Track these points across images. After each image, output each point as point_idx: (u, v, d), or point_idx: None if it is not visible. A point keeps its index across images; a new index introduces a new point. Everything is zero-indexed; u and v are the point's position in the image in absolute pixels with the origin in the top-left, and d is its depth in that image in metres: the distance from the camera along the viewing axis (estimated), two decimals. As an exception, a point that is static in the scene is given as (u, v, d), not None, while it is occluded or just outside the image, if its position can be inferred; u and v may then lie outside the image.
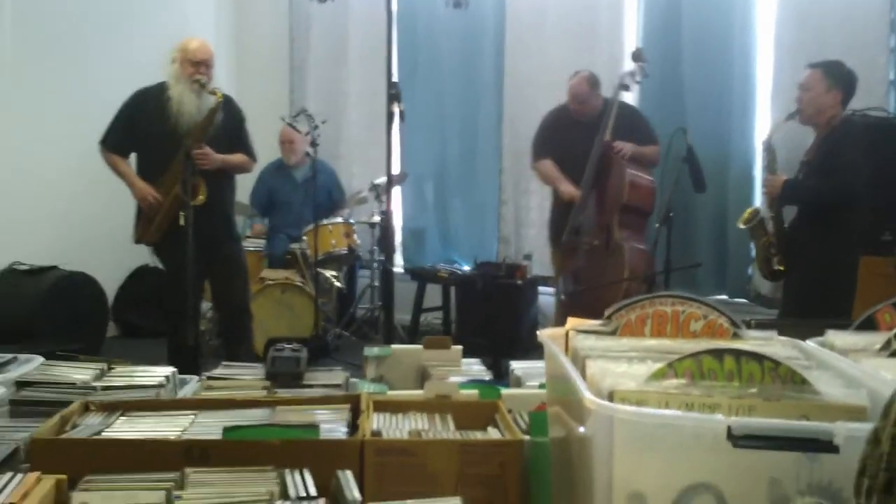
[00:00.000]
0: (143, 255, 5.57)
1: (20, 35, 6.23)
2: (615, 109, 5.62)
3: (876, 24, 6.18)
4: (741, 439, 1.29)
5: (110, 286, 6.89)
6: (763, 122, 6.57)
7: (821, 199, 4.67)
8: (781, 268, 4.84)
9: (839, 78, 4.73)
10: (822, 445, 1.29)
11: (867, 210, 4.69)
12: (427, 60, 7.77)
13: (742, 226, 5.05)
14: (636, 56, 5.74)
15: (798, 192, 4.79)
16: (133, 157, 5.12)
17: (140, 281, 7.28)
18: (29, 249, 6.25)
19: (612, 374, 1.51)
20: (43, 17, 6.39)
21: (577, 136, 5.68)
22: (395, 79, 4.19)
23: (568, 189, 5.70)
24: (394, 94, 3.89)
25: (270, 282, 6.42)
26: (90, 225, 6.72)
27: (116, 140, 5.02)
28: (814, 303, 4.42)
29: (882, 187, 4.90)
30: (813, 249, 4.65)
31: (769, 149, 4.97)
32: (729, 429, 1.30)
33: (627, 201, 5.49)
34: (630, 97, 6.83)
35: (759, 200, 6.11)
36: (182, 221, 4.65)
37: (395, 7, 7.34)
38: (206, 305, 6.06)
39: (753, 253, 6.48)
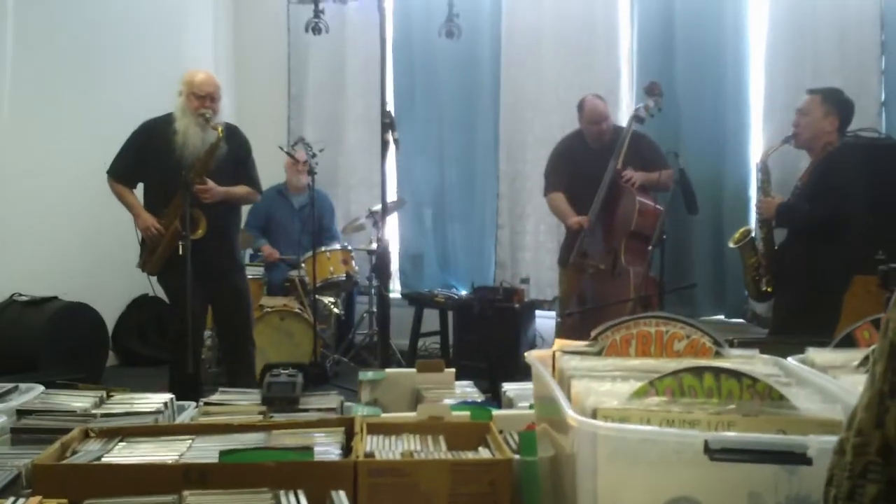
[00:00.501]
0: (143, 285, 5.61)
1: (21, 65, 6.31)
2: (628, 138, 5.69)
3: (867, 45, 6.26)
4: (717, 453, 1.34)
5: (110, 315, 6.93)
6: (757, 143, 6.63)
7: (813, 225, 4.71)
8: (769, 289, 4.89)
9: (837, 104, 4.78)
10: (796, 458, 1.33)
11: (860, 231, 4.72)
12: (424, 87, 7.85)
13: (732, 245, 5.10)
14: (650, 90, 5.82)
15: (791, 216, 4.83)
16: (140, 186, 5.19)
17: (140, 310, 7.32)
18: (29, 280, 6.29)
19: (596, 393, 1.55)
20: (44, 48, 6.47)
21: (590, 162, 5.77)
22: (390, 107, 4.25)
23: (575, 221, 5.80)
24: (388, 123, 3.94)
25: (269, 309, 6.45)
26: (90, 254, 6.77)
27: (123, 170, 5.09)
28: (802, 323, 4.44)
29: (875, 206, 4.94)
30: (803, 270, 4.69)
31: (764, 170, 5.02)
32: (706, 443, 1.35)
33: (635, 228, 5.57)
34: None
35: (754, 221, 6.17)
36: (181, 251, 4.71)
37: (391, 36, 7.50)
38: (206, 333, 6.08)
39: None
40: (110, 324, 6.93)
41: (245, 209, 6.12)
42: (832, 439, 1.23)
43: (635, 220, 5.57)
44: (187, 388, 4.50)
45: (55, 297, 6.33)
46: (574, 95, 6.58)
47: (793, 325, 4.58)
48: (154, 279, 5.27)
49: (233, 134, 5.11)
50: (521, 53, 7.44)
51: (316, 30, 4.77)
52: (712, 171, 6.65)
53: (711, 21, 6.75)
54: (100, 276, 6.77)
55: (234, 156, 5.11)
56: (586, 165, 5.78)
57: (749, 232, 5.07)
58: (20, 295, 6.28)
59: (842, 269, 4.65)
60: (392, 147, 4.00)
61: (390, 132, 3.91)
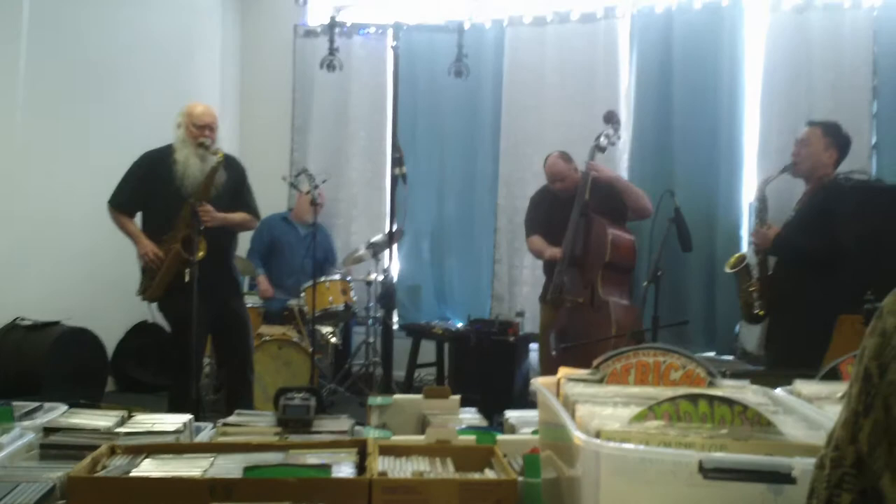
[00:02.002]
0: (143, 311, 5.71)
1: (30, 96, 6.43)
2: (591, 173, 5.74)
3: (860, 90, 6.46)
4: (711, 472, 1.46)
5: (109, 341, 7.01)
6: (750, 185, 6.79)
7: (806, 259, 4.81)
8: (761, 312, 4.99)
9: (837, 139, 4.88)
10: (781, 477, 1.45)
11: (850, 268, 4.81)
12: (426, 123, 8.02)
13: (728, 270, 5.20)
14: (608, 118, 5.93)
15: (786, 248, 4.92)
16: (139, 215, 5.28)
17: (139, 336, 7.41)
18: (32, 305, 6.39)
19: (599, 416, 1.67)
20: (54, 79, 6.60)
21: (562, 212, 5.83)
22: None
23: (552, 252, 5.86)
24: (397, 158, 4.06)
25: (268, 337, 6.52)
26: (91, 281, 6.86)
27: (124, 200, 5.19)
28: (794, 350, 4.51)
29: (865, 247, 5.05)
30: (794, 299, 4.77)
31: (761, 199, 5.11)
32: (700, 462, 1.47)
33: (610, 259, 5.64)
34: (624, 157, 7.09)
35: (746, 247, 6.31)
36: (187, 278, 4.80)
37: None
38: (205, 360, 6.16)
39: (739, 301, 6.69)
40: (109, 349, 7.02)
41: (245, 236, 6.19)
42: (814, 461, 1.35)
43: (609, 252, 5.62)
44: (189, 413, 4.59)
45: (57, 322, 6.42)
46: (573, 133, 6.78)
47: (786, 352, 4.66)
48: (154, 307, 5.35)
49: (230, 163, 5.23)
50: (522, 91, 7.63)
51: (330, 67, 4.89)
52: (706, 210, 6.81)
53: (708, 64, 6.94)
54: (101, 302, 6.86)
55: (231, 183, 5.22)
56: (558, 214, 5.87)
57: (744, 258, 5.17)
58: (23, 319, 6.37)
59: (830, 301, 4.75)
60: (400, 181, 4.11)
61: (399, 167, 4.02)
